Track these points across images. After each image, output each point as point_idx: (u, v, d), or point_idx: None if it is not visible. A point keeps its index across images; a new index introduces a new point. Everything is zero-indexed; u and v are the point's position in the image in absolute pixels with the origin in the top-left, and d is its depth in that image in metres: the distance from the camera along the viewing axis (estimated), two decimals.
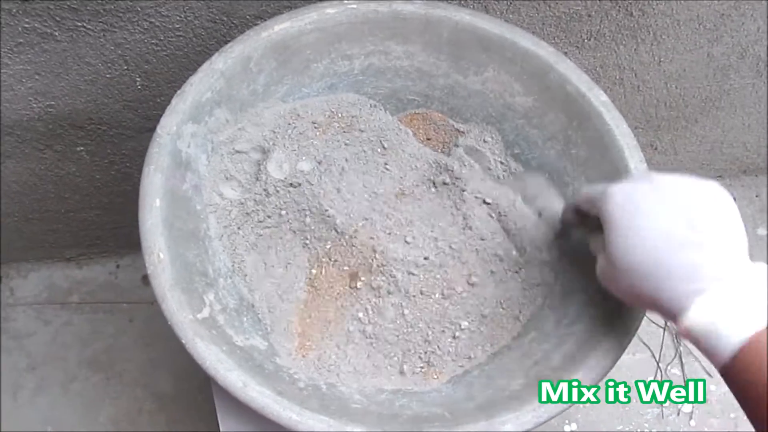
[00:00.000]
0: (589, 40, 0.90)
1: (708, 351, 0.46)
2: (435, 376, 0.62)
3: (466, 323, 0.64)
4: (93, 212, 1.06)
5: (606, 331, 0.56)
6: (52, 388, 1.11)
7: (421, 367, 0.62)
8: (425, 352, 0.63)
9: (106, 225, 1.11)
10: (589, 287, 0.61)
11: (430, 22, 0.68)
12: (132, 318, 1.17)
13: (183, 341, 0.53)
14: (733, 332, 0.44)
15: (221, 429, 0.61)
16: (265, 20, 0.66)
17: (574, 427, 1.17)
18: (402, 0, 0.68)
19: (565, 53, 0.68)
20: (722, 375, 0.46)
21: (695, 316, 0.45)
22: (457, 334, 0.63)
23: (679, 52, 0.97)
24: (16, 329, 1.15)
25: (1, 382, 1.11)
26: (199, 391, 1.12)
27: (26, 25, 0.70)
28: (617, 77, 1.00)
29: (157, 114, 0.86)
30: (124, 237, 1.14)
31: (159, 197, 0.57)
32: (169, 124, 0.60)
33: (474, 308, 0.65)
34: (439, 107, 0.73)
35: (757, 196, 1.42)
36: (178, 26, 0.74)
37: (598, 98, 0.65)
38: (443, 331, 0.64)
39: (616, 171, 0.62)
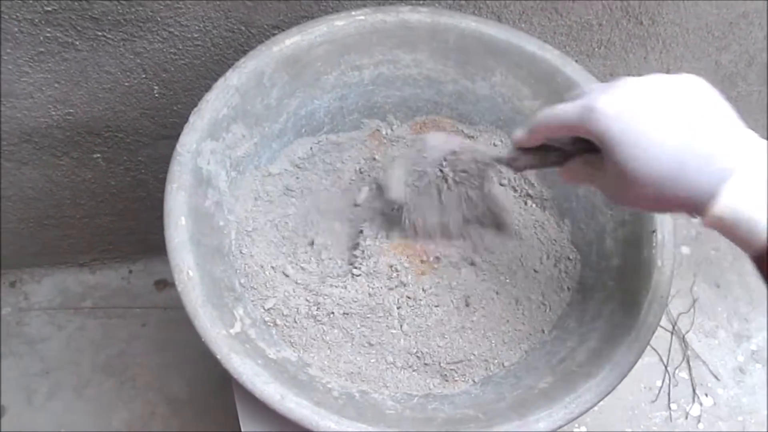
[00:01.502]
0: (600, 48, 0.91)
1: (742, 238, 0.44)
2: (463, 379, 0.63)
3: (491, 326, 0.65)
4: (107, 218, 1.07)
5: (627, 325, 0.57)
6: (65, 393, 1.12)
7: (452, 371, 0.63)
8: (451, 358, 0.64)
9: (120, 231, 1.11)
10: (606, 284, 0.62)
11: (437, 30, 0.70)
12: (145, 323, 1.18)
13: (218, 356, 0.53)
14: (763, 217, 0.42)
15: (242, 430, 0.62)
16: (283, 30, 0.67)
17: (583, 429, 1.17)
18: (408, 9, 0.69)
19: (576, 61, 0.69)
20: (756, 262, 0.44)
21: (726, 202, 0.43)
22: (480, 338, 0.65)
23: (687, 60, 0.98)
24: (30, 334, 1.15)
25: (15, 386, 1.12)
26: (212, 395, 1.12)
27: (47, 35, 0.71)
28: None
29: (174, 122, 0.88)
30: (137, 243, 1.15)
31: (184, 215, 0.58)
32: (188, 142, 0.61)
33: (500, 311, 0.66)
34: (449, 113, 0.75)
35: None
36: (196, 36, 0.75)
37: None
38: (466, 334, 0.65)
39: None
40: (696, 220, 0.45)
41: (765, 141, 0.45)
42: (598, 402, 0.54)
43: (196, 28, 0.75)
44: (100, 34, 0.73)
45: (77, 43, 0.73)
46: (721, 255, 1.37)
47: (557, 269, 0.68)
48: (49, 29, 0.70)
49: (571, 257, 0.68)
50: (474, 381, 0.63)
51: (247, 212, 0.67)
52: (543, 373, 0.59)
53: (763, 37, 0.97)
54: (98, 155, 0.92)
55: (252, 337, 0.58)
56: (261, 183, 0.69)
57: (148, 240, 1.14)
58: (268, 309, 0.63)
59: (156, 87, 0.82)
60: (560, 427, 0.53)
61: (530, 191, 0.71)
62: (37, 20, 0.69)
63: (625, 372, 0.55)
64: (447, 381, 0.63)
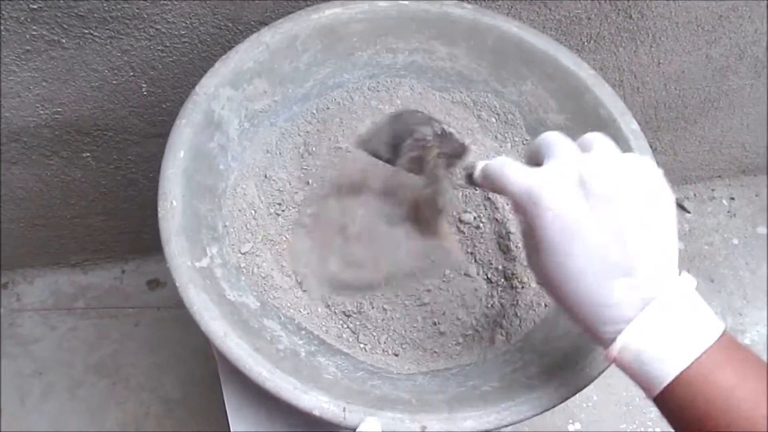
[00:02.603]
0: (589, 42, 0.91)
1: (638, 382, 0.44)
2: (415, 366, 0.63)
3: (450, 322, 0.65)
4: (98, 218, 1.07)
5: (588, 350, 0.56)
6: (58, 394, 1.12)
7: (403, 349, 0.63)
8: (415, 343, 0.64)
9: (112, 230, 1.11)
10: None
11: (477, 28, 0.70)
12: (138, 323, 1.17)
13: (177, 284, 0.54)
14: (662, 366, 0.42)
15: (231, 430, 0.62)
16: (269, 24, 0.67)
17: (578, 426, 1.17)
18: (453, 3, 0.69)
19: (608, 84, 0.68)
20: (656, 404, 0.44)
21: (621, 345, 0.42)
22: (441, 329, 0.64)
23: (678, 54, 0.98)
24: (22, 335, 1.15)
25: (8, 387, 1.11)
26: (205, 394, 1.12)
27: (34, 33, 0.71)
28: (617, 79, 1.01)
29: (163, 120, 0.87)
30: (129, 242, 1.15)
31: (184, 149, 0.59)
32: (208, 84, 0.62)
33: (468, 315, 0.66)
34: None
35: (756, 196, 1.43)
36: (183, 33, 0.75)
37: (629, 125, 0.65)
38: (434, 323, 0.65)
39: None
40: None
41: (688, 279, 0.44)
42: (534, 416, 0.53)
43: (183, 25, 0.74)
44: (86, 31, 0.72)
45: (64, 41, 0.73)
46: (715, 250, 1.37)
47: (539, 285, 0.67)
48: (35, 27, 0.70)
49: None
50: (425, 371, 0.63)
51: (255, 161, 0.68)
52: (492, 377, 0.58)
53: (753, 30, 0.97)
54: (88, 154, 0.92)
55: (216, 275, 0.58)
56: (276, 139, 0.70)
57: (140, 239, 1.14)
58: (244, 253, 0.63)
59: (144, 85, 0.82)
60: (488, 429, 0.52)
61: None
62: (23, 18, 0.69)
63: (568, 395, 0.54)
64: (399, 362, 0.63)
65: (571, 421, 1.17)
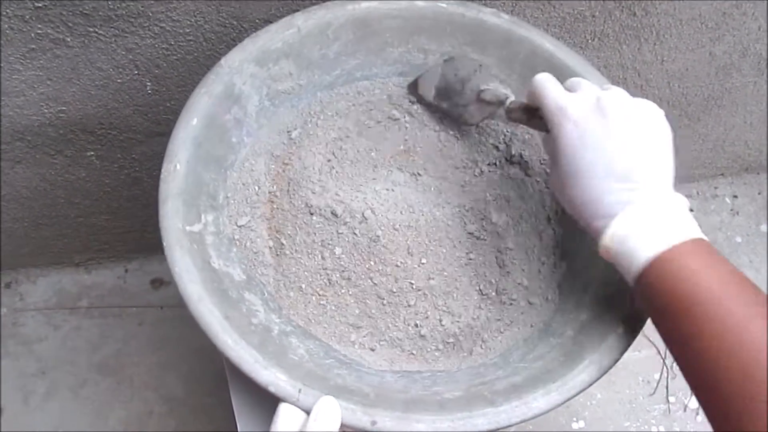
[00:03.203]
0: (593, 40, 0.91)
1: (621, 266, 0.51)
2: (388, 364, 0.63)
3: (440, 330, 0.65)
4: (102, 217, 1.07)
5: (556, 376, 0.56)
6: (62, 393, 1.12)
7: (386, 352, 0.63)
8: (396, 341, 0.64)
9: (115, 230, 1.11)
10: (565, 332, 0.61)
11: (511, 39, 0.70)
12: (141, 322, 1.17)
13: (164, 244, 0.55)
14: (639, 251, 0.49)
15: (239, 429, 0.62)
16: (303, 9, 0.68)
17: (581, 424, 1.17)
18: (491, 12, 0.69)
19: None
20: (633, 290, 0.52)
21: (611, 232, 0.50)
22: (423, 332, 0.64)
23: (681, 51, 0.98)
24: (25, 334, 1.15)
25: (12, 387, 1.11)
26: (209, 394, 1.12)
27: (39, 31, 0.71)
28: (621, 77, 1.00)
29: (167, 118, 0.87)
30: (132, 241, 1.15)
31: (198, 117, 0.60)
32: (233, 58, 0.63)
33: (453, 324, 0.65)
34: None
35: (759, 194, 1.43)
36: (188, 31, 0.75)
37: None
38: (416, 325, 0.64)
39: None
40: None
41: (680, 197, 0.52)
42: (489, 429, 0.53)
43: (188, 23, 0.74)
44: (91, 30, 0.72)
45: (68, 39, 0.73)
46: (718, 247, 1.32)
47: (533, 303, 0.67)
48: (39, 26, 0.70)
49: (549, 297, 0.67)
50: (396, 369, 0.62)
51: (270, 139, 0.68)
52: (457, 387, 0.58)
53: (757, 27, 0.97)
54: (92, 153, 0.92)
55: (206, 242, 0.59)
56: (296, 121, 0.70)
57: (143, 239, 1.14)
58: (240, 226, 0.64)
59: (149, 83, 0.82)
60: None
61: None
62: (27, 17, 0.69)
63: (525, 417, 0.54)
64: (373, 357, 0.62)
65: (575, 419, 1.17)
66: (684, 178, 1.39)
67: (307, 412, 0.51)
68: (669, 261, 0.48)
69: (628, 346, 0.57)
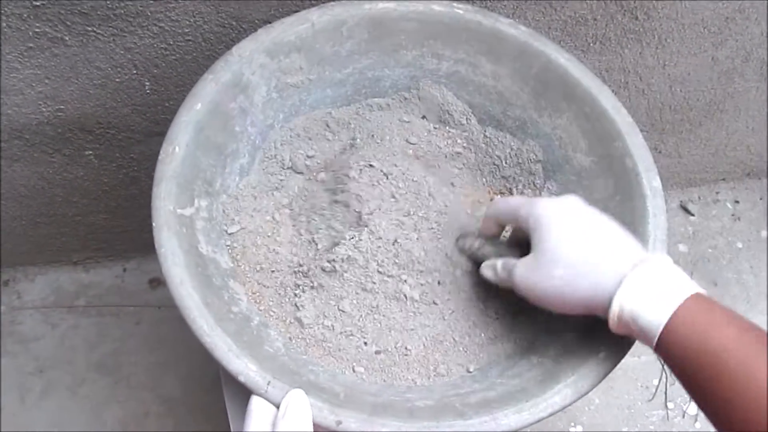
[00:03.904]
0: (595, 44, 0.91)
1: (639, 334, 0.51)
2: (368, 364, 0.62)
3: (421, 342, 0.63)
4: (100, 216, 1.07)
5: (529, 397, 0.55)
6: (59, 392, 1.11)
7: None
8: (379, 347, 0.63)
9: (114, 229, 1.11)
10: (547, 352, 0.60)
11: (526, 52, 0.69)
12: (139, 321, 1.17)
13: (153, 225, 0.55)
14: (655, 314, 0.49)
15: (232, 429, 0.61)
16: (319, 5, 0.68)
17: (579, 429, 1.17)
18: (508, 23, 0.69)
19: (642, 132, 0.67)
20: (657, 352, 0.51)
21: (616, 314, 0.51)
22: (409, 346, 0.63)
23: (683, 56, 0.98)
24: (23, 333, 1.15)
25: (9, 385, 1.11)
26: (206, 394, 1.12)
27: (37, 30, 0.71)
28: (622, 81, 1.00)
29: (166, 118, 0.87)
30: (131, 240, 1.15)
31: (202, 102, 0.61)
32: (245, 47, 0.64)
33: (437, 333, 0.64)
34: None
35: (761, 199, 1.42)
36: (187, 31, 0.75)
37: (650, 182, 0.64)
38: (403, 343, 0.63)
39: None
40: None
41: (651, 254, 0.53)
42: None
43: (187, 23, 0.74)
44: (89, 29, 0.72)
45: (67, 38, 0.72)
46: (719, 253, 1.36)
47: (519, 320, 0.66)
48: (38, 24, 0.70)
49: (537, 314, 0.65)
50: (376, 379, 0.61)
51: (275, 132, 0.69)
52: (431, 396, 0.57)
53: (760, 32, 0.97)
54: (90, 152, 0.92)
55: (196, 226, 0.59)
56: (303, 118, 0.71)
57: (141, 238, 1.14)
58: (231, 234, 0.64)
59: (147, 83, 0.82)
60: None
61: None
62: (25, 15, 0.68)
63: (499, 428, 0.53)
64: (360, 368, 0.62)
65: (572, 423, 1.17)
66: (685, 183, 1.39)
67: (277, 406, 0.51)
68: (677, 327, 0.48)
69: (608, 371, 0.56)
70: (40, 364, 1.13)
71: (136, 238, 1.14)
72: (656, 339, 0.49)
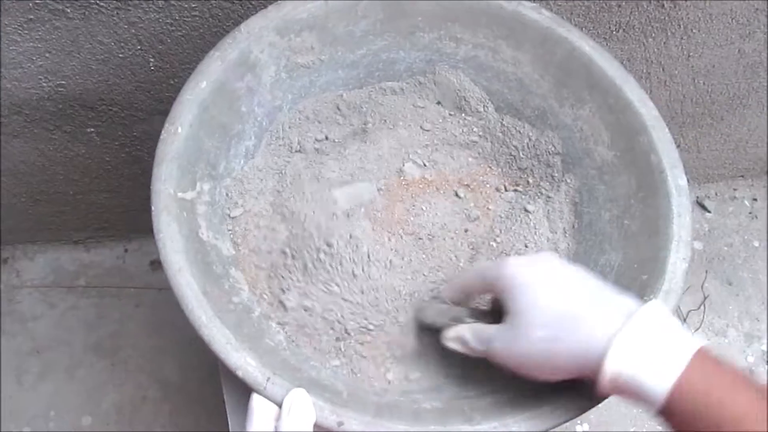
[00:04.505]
0: (618, 31, 0.88)
1: (638, 395, 0.45)
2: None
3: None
4: (102, 195, 1.05)
5: (543, 404, 0.51)
6: (56, 373, 1.10)
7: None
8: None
9: (115, 208, 1.09)
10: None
11: (549, 38, 0.66)
12: (139, 303, 1.15)
13: (152, 209, 0.53)
14: (660, 378, 0.44)
15: (230, 426, 0.59)
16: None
17: (586, 427, 1.15)
18: (531, 6, 0.66)
19: (668, 128, 0.64)
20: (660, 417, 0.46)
21: (615, 364, 0.45)
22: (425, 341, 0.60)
23: (709, 47, 0.95)
24: (21, 312, 1.13)
25: (6, 365, 1.09)
26: (205, 381, 1.10)
27: (37, 1, 0.68)
28: (644, 71, 0.97)
29: (170, 96, 0.84)
30: (133, 221, 1.12)
31: (207, 81, 0.58)
32: (254, 25, 0.61)
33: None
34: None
35: None
36: (194, 5, 0.72)
37: (676, 180, 0.60)
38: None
39: (654, 261, 0.57)
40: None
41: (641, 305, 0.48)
42: None
43: None
44: (92, 1, 0.69)
45: (68, 10, 0.70)
46: (734, 252, 1.33)
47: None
48: None
49: None
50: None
51: (283, 114, 0.66)
52: (439, 397, 0.55)
53: None
54: (92, 130, 0.89)
55: (197, 211, 0.57)
56: (312, 100, 0.68)
57: (143, 219, 1.10)
58: (234, 218, 0.62)
59: (152, 59, 0.79)
60: None
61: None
62: None
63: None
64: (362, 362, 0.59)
65: (579, 422, 1.15)
66: (703, 178, 1.36)
67: (277, 404, 0.49)
68: (683, 394, 0.44)
69: None
70: (37, 344, 1.11)
71: (138, 219, 1.11)
72: (658, 405, 0.44)
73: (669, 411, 0.44)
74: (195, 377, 1.10)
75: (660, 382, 0.44)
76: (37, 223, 1.10)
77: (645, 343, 0.45)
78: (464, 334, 0.53)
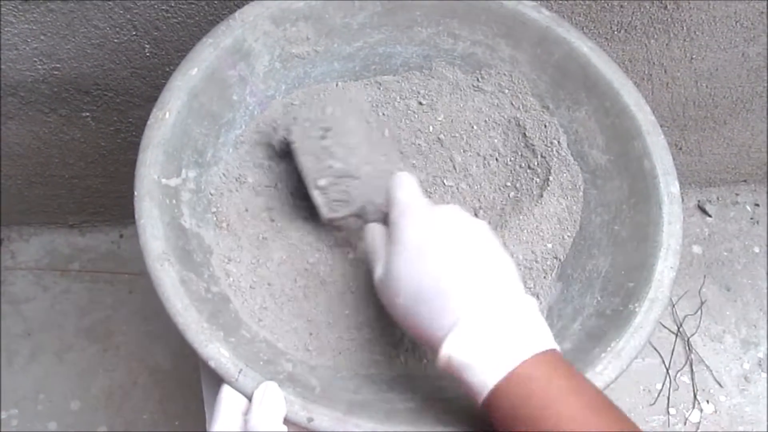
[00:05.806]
0: (619, 32, 0.87)
1: (467, 385, 0.45)
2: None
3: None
4: (98, 180, 1.04)
5: None
6: (47, 356, 1.10)
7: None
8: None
9: (111, 194, 1.08)
10: None
11: (547, 38, 0.65)
12: (132, 290, 1.15)
13: (135, 194, 0.53)
14: (487, 371, 0.43)
15: (207, 414, 0.59)
16: None
17: None
18: (532, 5, 0.65)
19: (663, 135, 0.63)
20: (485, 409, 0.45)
21: (450, 347, 0.44)
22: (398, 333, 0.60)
23: (712, 50, 0.94)
24: (14, 293, 1.13)
25: None
26: (195, 369, 1.09)
27: None
28: (646, 72, 0.96)
29: (165, 83, 0.84)
30: (128, 207, 1.10)
31: (198, 68, 0.58)
32: (249, 13, 0.61)
33: None
34: None
35: None
36: None
37: (668, 187, 0.59)
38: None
39: (641, 269, 0.57)
40: None
41: (529, 300, 0.47)
42: None
43: None
44: None
45: None
46: (734, 257, 1.32)
47: None
48: None
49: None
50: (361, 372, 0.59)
51: (276, 103, 0.66)
52: (413, 397, 0.54)
53: None
54: (87, 114, 0.89)
55: (182, 198, 0.56)
56: (306, 91, 0.67)
57: None
58: (218, 207, 0.61)
59: (147, 46, 0.79)
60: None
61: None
62: None
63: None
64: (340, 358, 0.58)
65: None
66: (704, 182, 1.34)
67: (247, 397, 0.48)
68: (507, 391, 0.43)
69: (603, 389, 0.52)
70: (29, 326, 1.11)
71: (133, 205, 1.11)
72: (482, 398, 0.44)
73: (492, 406, 0.43)
74: (186, 365, 1.10)
75: (487, 376, 0.43)
76: (32, 205, 1.10)
77: (486, 335, 0.44)
78: (374, 239, 0.53)
